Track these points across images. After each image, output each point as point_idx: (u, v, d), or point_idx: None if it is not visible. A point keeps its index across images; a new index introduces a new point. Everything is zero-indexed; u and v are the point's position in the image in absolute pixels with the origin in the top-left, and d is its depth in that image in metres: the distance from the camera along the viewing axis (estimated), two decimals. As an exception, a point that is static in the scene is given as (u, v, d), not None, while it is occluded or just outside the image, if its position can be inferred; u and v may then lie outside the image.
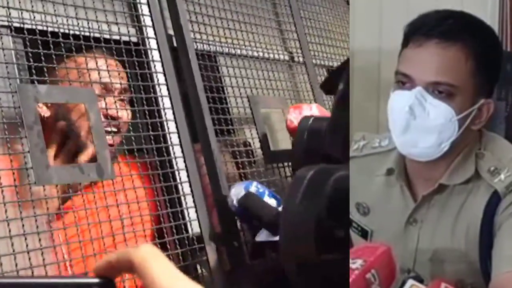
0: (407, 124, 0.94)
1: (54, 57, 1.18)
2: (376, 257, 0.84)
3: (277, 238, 1.08)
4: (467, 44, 0.93)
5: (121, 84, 1.36)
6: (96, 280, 0.52)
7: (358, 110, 1.64)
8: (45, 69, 1.15)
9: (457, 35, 0.93)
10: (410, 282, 0.87)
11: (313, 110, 1.51)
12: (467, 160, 0.98)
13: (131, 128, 1.29)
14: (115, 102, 1.32)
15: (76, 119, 1.30)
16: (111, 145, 1.26)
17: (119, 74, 1.36)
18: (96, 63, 1.25)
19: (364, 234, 1.06)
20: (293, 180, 0.90)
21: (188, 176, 1.33)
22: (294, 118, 1.46)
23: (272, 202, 1.27)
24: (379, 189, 1.05)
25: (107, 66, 1.29)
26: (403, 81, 0.96)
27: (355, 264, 0.82)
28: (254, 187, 1.27)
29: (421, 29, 0.94)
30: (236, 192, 1.27)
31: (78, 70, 1.24)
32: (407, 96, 0.94)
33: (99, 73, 1.26)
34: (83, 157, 1.27)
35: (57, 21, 1.22)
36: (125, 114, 1.38)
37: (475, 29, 0.97)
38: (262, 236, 1.23)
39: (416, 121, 0.93)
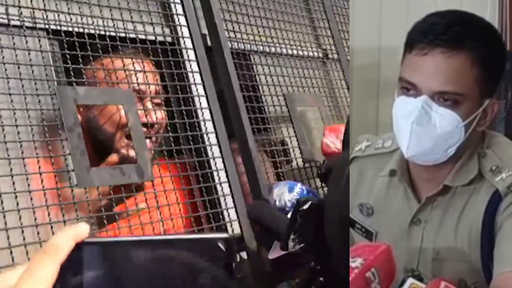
0: (413, 133, 0.94)
1: (91, 58, 1.17)
2: (376, 256, 0.84)
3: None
4: (472, 51, 0.92)
5: (157, 85, 1.35)
6: (221, 235, 0.53)
7: (358, 108, 1.63)
8: (82, 71, 1.15)
9: (462, 43, 0.92)
10: (410, 281, 0.87)
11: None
12: (470, 161, 0.97)
13: (169, 129, 1.28)
14: (151, 106, 1.32)
15: (108, 121, 1.29)
16: (149, 148, 1.25)
17: (154, 75, 1.35)
18: (133, 64, 1.24)
19: (368, 235, 1.06)
20: (338, 163, 0.92)
21: (227, 176, 1.32)
22: (331, 142, 1.41)
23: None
24: (382, 190, 1.05)
25: (144, 68, 1.28)
26: (408, 87, 0.95)
27: (355, 262, 0.82)
28: (298, 188, 1.24)
29: (426, 37, 0.93)
30: (280, 192, 1.24)
31: (113, 72, 1.23)
32: (413, 104, 0.93)
33: (136, 74, 1.25)
34: (112, 159, 1.27)
35: (92, 22, 1.21)
36: (160, 116, 1.37)
37: (479, 34, 0.95)
38: (276, 252, 1.18)
39: (423, 130, 0.93)
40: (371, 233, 1.05)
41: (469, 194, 0.96)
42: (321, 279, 0.89)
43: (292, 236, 0.90)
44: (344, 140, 1.02)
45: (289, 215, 1.08)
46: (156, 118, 1.32)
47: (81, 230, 0.51)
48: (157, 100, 1.39)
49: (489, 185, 0.95)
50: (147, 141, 1.26)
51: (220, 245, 0.53)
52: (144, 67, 1.30)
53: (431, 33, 0.93)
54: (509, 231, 0.91)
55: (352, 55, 1.76)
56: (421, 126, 0.93)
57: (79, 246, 0.50)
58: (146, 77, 1.29)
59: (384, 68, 1.72)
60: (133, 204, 1.16)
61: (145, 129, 1.23)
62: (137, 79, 1.27)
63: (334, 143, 1.40)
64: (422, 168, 1.00)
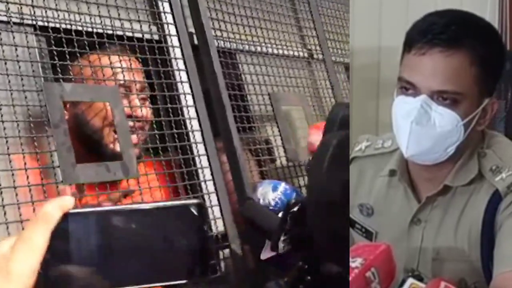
0: (413, 132, 0.94)
1: (78, 55, 1.17)
2: (376, 256, 0.84)
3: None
4: (471, 50, 0.93)
5: (143, 82, 1.36)
6: (193, 201, 0.57)
7: (358, 108, 1.64)
8: (68, 68, 1.15)
9: (460, 42, 0.93)
10: (410, 281, 0.87)
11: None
12: (470, 161, 0.98)
13: (155, 127, 1.28)
14: (138, 100, 1.32)
15: (96, 116, 1.29)
16: (135, 144, 1.25)
17: (141, 72, 1.35)
18: (110, 61, 1.24)
19: (368, 235, 1.06)
20: (319, 147, 0.91)
21: (212, 174, 1.33)
22: (316, 140, 1.42)
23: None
24: (382, 190, 1.05)
25: (130, 65, 1.29)
26: (407, 87, 0.95)
27: (355, 262, 0.83)
28: (282, 187, 1.26)
29: (425, 37, 0.93)
30: (264, 191, 1.25)
31: (99, 69, 1.23)
32: (412, 104, 0.94)
33: (122, 71, 1.25)
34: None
35: (80, 19, 1.21)
36: (145, 112, 1.38)
37: (478, 33, 0.96)
38: (267, 252, 1.19)
39: (422, 129, 0.93)
40: (371, 233, 1.05)
41: (469, 194, 0.97)
42: (308, 278, 0.89)
43: (282, 237, 0.91)
44: (325, 129, 0.99)
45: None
46: (142, 115, 1.32)
47: (67, 202, 0.54)
48: (142, 96, 1.39)
49: (489, 185, 0.95)
50: (133, 136, 1.26)
51: (192, 210, 0.56)
52: (130, 64, 1.30)
53: (429, 32, 0.93)
54: (509, 231, 0.91)
55: (352, 55, 1.77)
56: (421, 126, 0.93)
57: (65, 216, 0.54)
58: (133, 74, 1.30)
59: (384, 68, 1.73)
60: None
61: (131, 124, 1.23)
62: (123, 76, 1.27)
63: (319, 140, 1.40)
64: (422, 167, 1.00)
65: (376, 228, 1.05)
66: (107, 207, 0.62)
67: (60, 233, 0.53)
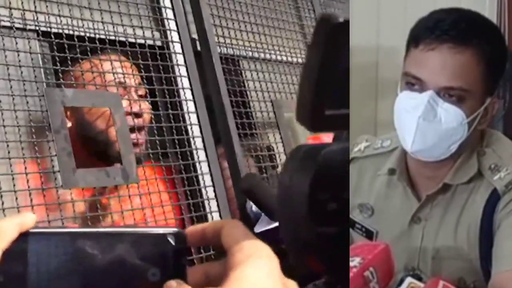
0: (419, 128, 0.93)
1: (80, 60, 1.18)
2: (375, 255, 0.84)
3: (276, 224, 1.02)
4: (479, 48, 0.93)
5: (143, 84, 1.36)
6: (171, 230, 0.51)
7: (356, 108, 1.63)
8: (65, 73, 1.16)
9: (470, 39, 0.93)
10: (408, 280, 0.87)
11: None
12: (470, 159, 0.97)
13: (156, 132, 1.29)
14: (138, 100, 1.32)
15: (98, 120, 1.30)
16: (135, 144, 1.25)
17: (132, 71, 1.35)
18: (111, 63, 1.25)
19: (369, 235, 1.06)
20: (286, 159, 0.92)
21: (212, 180, 1.33)
22: None
23: None
24: (381, 189, 1.04)
25: (122, 67, 1.29)
26: (413, 82, 0.94)
27: (353, 262, 0.82)
28: None
29: (434, 32, 0.93)
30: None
31: (100, 73, 1.24)
32: (418, 99, 0.93)
33: (124, 75, 1.26)
34: None
35: (83, 25, 1.23)
36: (147, 116, 1.37)
37: (486, 32, 0.96)
38: (262, 224, 1.16)
39: (428, 125, 0.93)
40: (372, 233, 1.05)
41: (468, 193, 0.96)
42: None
43: None
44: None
45: None
46: (140, 110, 1.32)
47: (27, 219, 0.49)
48: (140, 93, 1.38)
49: (487, 183, 0.95)
50: (133, 135, 1.26)
51: (170, 240, 0.51)
52: (132, 70, 1.31)
53: (438, 28, 0.93)
54: (507, 230, 0.91)
55: (351, 54, 1.76)
56: (427, 121, 0.92)
57: (24, 236, 0.48)
58: (135, 80, 1.30)
59: (383, 68, 1.72)
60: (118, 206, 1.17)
61: (130, 122, 1.24)
62: (124, 81, 1.28)
63: None
64: (422, 165, 1.00)
65: (377, 228, 1.05)
66: (73, 228, 0.57)
67: (16, 254, 0.48)
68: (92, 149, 1.30)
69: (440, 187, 0.98)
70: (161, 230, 0.51)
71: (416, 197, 1.01)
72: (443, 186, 0.98)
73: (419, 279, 0.88)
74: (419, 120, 0.92)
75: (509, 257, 0.89)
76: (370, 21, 1.68)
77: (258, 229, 1.13)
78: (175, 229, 0.51)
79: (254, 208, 1.22)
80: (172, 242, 0.51)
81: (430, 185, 1.00)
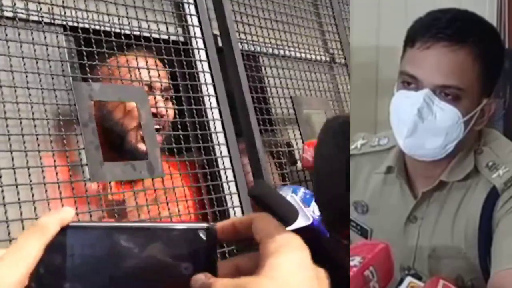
0: (415, 126, 0.94)
1: (106, 55, 1.19)
2: (375, 254, 0.84)
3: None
4: (474, 47, 0.93)
5: (166, 82, 1.37)
6: (202, 225, 0.52)
7: (356, 107, 1.64)
8: (92, 67, 1.17)
9: (465, 38, 0.93)
10: (408, 279, 0.87)
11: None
12: (467, 157, 0.97)
13: (179, 127, 1.30)
14: (162, 100, 1.33)
15: (122, 117, 1.31)
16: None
17: (166, 73, 1.37)
18: (137, 62, 1.26)
19: (363, 233, 1.06)
20: (323, 128, 0.94)
21: (234, 175, 1.34)
22: (310, 156, 1.44)
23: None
24: (377, 187, 1.05)
25: (147, 65, 1.30)
26: (409, 81, 0.95)
27: (354, 261, 0.82)
28: (301, 192, 1.26)
29: (430, 31, 0.93)
30: (284, 195, 1.26)
31: (124, 69, 1.25)
32: (414, 98, 0.93)
33: (148, 72, 1.27)
34: None
35: (109, 20, 1.24)
36: (171, 112, 1.39)
37: (482, 31, 0.96)
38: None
39: (424, 124, 0.93)
40: (366, 231, 1.05)
41: (465, 190, 0.97)
42: None
43: None
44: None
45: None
46: (164, 115, 1.34)
47: (67, 215, 0.51)
48: (166, 97, 1.40)
49: (485, 181, 0.95)
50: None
51: (201, 235, 0.52)
52: (157, 65, 1.32)
53: (434, 27, 0.93)
54: (507, 228, 0.91)
55: (352, 54, 1.77)
56: (423, 119, 0.93)
57: (64, 230, 0.50)
58: (158, 75, 1.31)
59: (382, 67, 1.73)
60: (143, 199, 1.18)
61: (156, 120, 1.25)
62: (149, 76, 1.29)
63: (313, 157, 1.41)
64: (419, 164, 1.00)
65: (371, 226, 1.05)
66: (110, 223, 0.57)
67: (56, 247, 0.50)
68: (111, 145, 1.31)
69: (436, 185, 0.98)
70: (193, 226, 0.53)
71: (412, 195, 1.01)
72: (439, 183, 0.98)
73: (419, 278, 0.88)
74: (414, 118, 0.92)
75: (508, 255, 0.88)
76: (370, 21, 1.69)
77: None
78: (207, 225, 0.52)
79: None
80: (204, 237, 0.52)
81: (427, 183, 1.00)
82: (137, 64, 1.26)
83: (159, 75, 1.34)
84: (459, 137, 0.94)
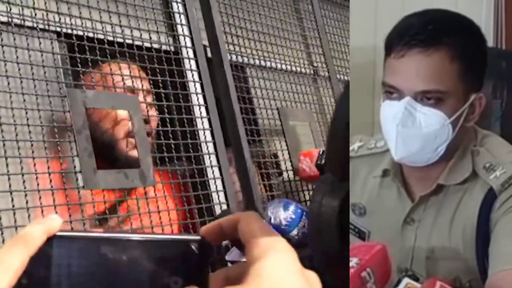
0: (399, 135, 0.94)
1: (100, 63, 1.19)
2: (372, 256, 0.84)
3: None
4: (450, 47, 0.93)
5: (157, 90, 1.37)
6: (194, 237, 0.50)
7: (354, 108, 1.65)
8: (82, 74, 1.16)
9: (438, 40, 0.93)
10: (406, 280, 0.87)
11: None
12: (464, 159, 0.98)
13: (171, 136, 1.30)
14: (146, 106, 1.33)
15: (112, 125, 1.31)
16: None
17: (142, 79, 1.36)
18: (121, 71, 1.26)
19: (361, 235, 1.06)
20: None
21: (223, 185, 1.35)
22: (307, 166, 1.45)
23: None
24: (374, 190, 1.05)
25: (130, 72, 1.30)
26: (391, 91, 0.95)
27: (351, 262, 0.82)
28: (293, 207, 1.27)
29: (403, 39, 0.93)
30: (275, 210, 1.26)
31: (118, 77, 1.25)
32: (396, 107, 0.94)
33: (132, 80, 1.27)
34: None
35: (102, 28, 1.24)
36: (153, 114, 1.38)
37: (456, 30, 0.95)
38: (233, 255, 1.19)
39: (409, 131, 0.93)
40: (364, 233, 1.05)
41: (462, 192, 0.97)
42: None
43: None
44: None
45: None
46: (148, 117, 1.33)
47: (54, 224, 0.48)
48: (148, 102, 1.38)
49: (483, 182, 0.95)
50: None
51: (193, 247, 0.50)
52: (139, 73, 1.32)
53: (406, 34, 0.93)
54: (505, 229, 0.91)
55: (352, 54, 1.78)
56: (407, 128, 0.93)
57: (50, 240, 0.48)
58: (141, 81, 1.31)
59: (380, 68, 1.74)
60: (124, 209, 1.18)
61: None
62: (132, 83, 1.29)
63: (310, 167, 1.43)
64: (414, 168, 1.00)
65: (369, 228, 1.05)
66: (97, 233, 0.56)
67: (42, 258, 0.47)
68: (101, 153, 1.30)
69: (434, 188, 0.98)
70: (185, 238, 0.51)
71: (409, 198, 1.01)
72: (437, 186, 0.98)
73: (416, 279, 0.88)
74: (397, 128, 0.93)
75: (506, 256, 0.88)
76: (368, 22, 1.71)
77: (229, 258, 1.15)
78: (199, 237, 0.50)
79: (273, 220, 1.24)
80: (196, 250, 0.50)
81: (424, 186, 1.00)
82: (121, 72, 1.25)
83: (141, 82, 1.33)
84: (449, 138, 0.94)
